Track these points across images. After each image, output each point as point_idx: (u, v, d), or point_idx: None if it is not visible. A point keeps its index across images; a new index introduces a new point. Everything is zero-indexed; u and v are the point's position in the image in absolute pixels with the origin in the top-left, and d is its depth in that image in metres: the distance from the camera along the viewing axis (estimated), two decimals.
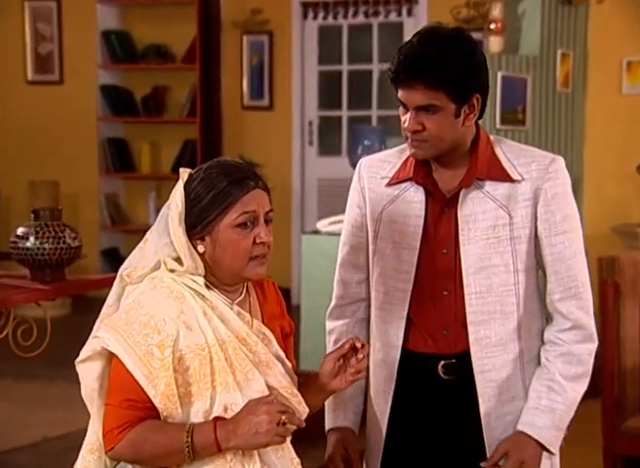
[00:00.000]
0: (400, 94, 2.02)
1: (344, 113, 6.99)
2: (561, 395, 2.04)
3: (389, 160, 2.15)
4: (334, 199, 6.83)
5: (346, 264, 2.18)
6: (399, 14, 6.71)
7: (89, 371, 1.87)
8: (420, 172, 2.08)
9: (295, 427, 1.81)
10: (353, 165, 5.17)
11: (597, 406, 3.77)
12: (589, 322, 2.09)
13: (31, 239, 2.91)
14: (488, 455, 2.06)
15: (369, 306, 2.19)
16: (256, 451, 1.83)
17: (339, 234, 5.29)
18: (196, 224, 1.87)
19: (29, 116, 7.52)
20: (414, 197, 2.08)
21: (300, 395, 1.91)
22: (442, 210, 2.07)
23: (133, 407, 1.81)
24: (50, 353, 3.20)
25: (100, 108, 7.33)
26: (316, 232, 4.89)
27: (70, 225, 3.01)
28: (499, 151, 2.08)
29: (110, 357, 1.86)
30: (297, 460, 1.91)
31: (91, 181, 7.36)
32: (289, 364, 1.94)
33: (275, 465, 1.87)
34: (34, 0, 7.45)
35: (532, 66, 5.56)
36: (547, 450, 2.04)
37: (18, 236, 2.95)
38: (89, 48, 7.29)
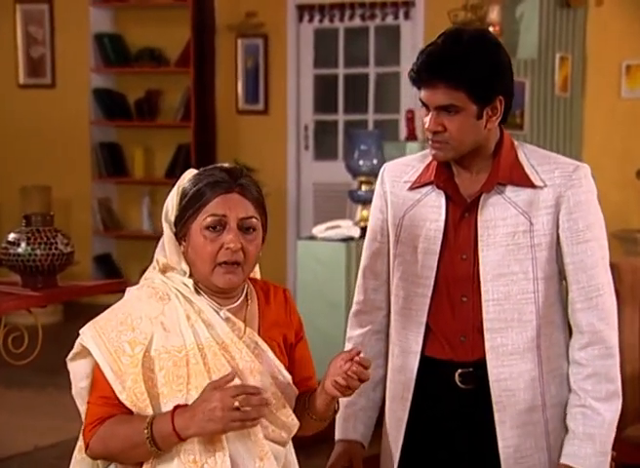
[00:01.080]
0: (422, 94, 2.01)
1: (340, 117, 6.95)
2: (596, 419, 2.02)
3: (413, 164, 2.14)
4: (330, 204, 6.78)
5: (365, 270, 2.18)
6: (396, 17, 6.67)
7: (78, 369, 1.89)
8: (442, 176, 2.07)
9: (260, 413, 1.76)
10: (349, 169, 5.15)
11: None
12: (610, 334, 2.06)
13: (22, 245, 2.87)
14: (502, 465, 2.04)
15: (386, 315, 2.18)
16: (222, 447, 1.81)
17: (334, 240, 5.31)
18: (176, 224, 1.90)
19: (21, 120, 7.47)
20: (435, 201, 2.07)
21: (288, 406, 1.89)
22: (462, 215, 2.05)
23: (107, 403, 1.82)
24: (41, 361, 3.15)
25: (93, 112, 7.28)
26: (312, 238, 4.85)
27: (62, 231, 2.97)
28: (522, 156, 2.06)
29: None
30: (266, 449, 1.86)
31: (83, 186, 7.31)
32: (285, 376, 1.90)
33: (240, 454, 1.84)
34: (26, 3, 7.40)
35: (530, 70, 5.53)
36: None
37: (9, 242, 2.92)
38: (81, 51, 7.24)
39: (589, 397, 2.03)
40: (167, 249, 1.91)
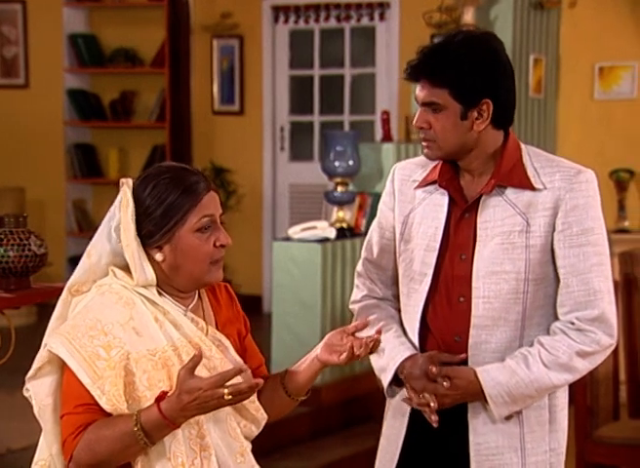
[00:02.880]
0: (417, 89, 2.06)
1: (316, 118, 6.95)
2: (530, 368, 2.01)
3: (423, 164, 2.16)
4: (305, 205, 6.78)
5: (369, 265, 2.20)
6: (371, 18, 6.68)
7: (41, 387, 1.86)
8: (446, 175, 2.09)
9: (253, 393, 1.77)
10: (325, 171, 5.15)
11: (570, 414, 3.76)
12: (601, 337, 2.03)
13: None
14: (472, 459, 2.05)
15: (396, 308, 2.20)
16: (208, 446, 1.82)
17: (310, 241, 5.29)
18: (154, 233, 1.85)
19: None
20: (438, 200, 2.10)
21: (257, 401, 1.91)
22: (463, 215, 2.07)
23: (88, 410, 1.80)
24: (14, 363, 3.12)
25: (67, 113, 7.23)
26: (288, 239, 4.84)
27: (36, 232, 2.95)
28: (526, 159, 2.07)
29: (62, 370, 1.84)
30: (245, 444, 1.89)
31: (57, 187, 7.27)
32: (248, 370, 1.90)
33: (223, 452, 1.85)
34: None
35: None
36: (485, 400, 2.03)
37: None
38: (55, 51, 7.19)
39: (543, 351, 2.02)
40: (132, 266, 1.85)
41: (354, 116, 6.83)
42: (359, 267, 2.22)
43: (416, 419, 2.09)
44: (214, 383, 1.73)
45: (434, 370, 2.01)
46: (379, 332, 1.93)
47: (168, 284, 1.89)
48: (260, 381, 1.78)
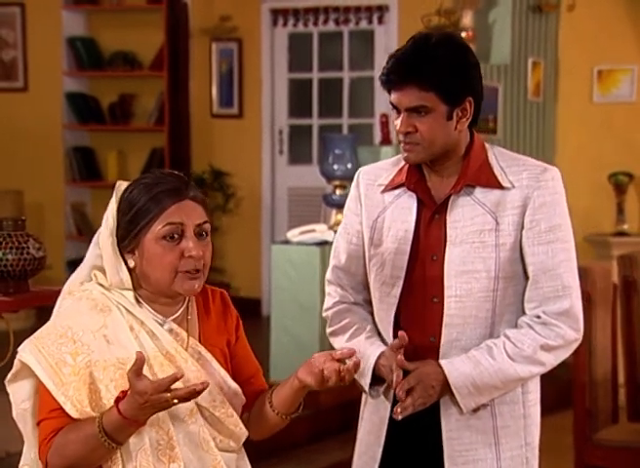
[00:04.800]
0: (392, 97, 2.04)
1: (315, 121, 6.95)
2: (494, 358, 2.02)
3: (387, 168, 2.17)
4: (304, 208, 6.78)
5: (338, 272, 2.18)
6: (370, 21, 6.69)
7: (19, 391, 1.86)
8: (413, 178, 2.10)
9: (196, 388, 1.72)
10: (324, 174, 5.15)
11: (569, 416, 3.77)
12: (566, 332, 2.05)
13: None
14: (445, 455, 2.06)
15: (369, 312, 2.18)
16: (177, 457, 1.80)
17: (309, 244, 5.29)
18: (124, 238, 1.84)
19: None
20: (406, 203, 2.10)
21: (236, 415, 1.88)
22: (432, 216, 2.08)
23: (61, 415, 1.79)
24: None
25: (66, 116, 7.23)
26: (286, 242, 4.84)
27: (34, 235, 2.95)
28: (492, 158, 2.09)
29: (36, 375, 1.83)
30: (219, 458, 1.86)
31: (56, 191, 7.26)
32: (230, 385, 1.89)
33: (193, 464, 1.83)
34: None
35: (503, 75, 5.56)
36: (452, 393, 2.03)
37: None
38: (54, 54, 7.19)
39: (508, 343, 2.04)
40: (107, 268, 1.86)
41: (353, 119, 6.83)
42: (329, 275, 2.21)
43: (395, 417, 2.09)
44: (156, 389, 1.71)
45: (399, 358, 2.01)
46: (356, 357, 1.85)
47: (146, 292, 1.87)
48: (200, 385, 1.73)
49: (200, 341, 1.89)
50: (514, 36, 5.60)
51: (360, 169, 2.20)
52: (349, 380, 1.84)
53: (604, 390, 3.67)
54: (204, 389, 1.73)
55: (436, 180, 2.08)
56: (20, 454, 1.85)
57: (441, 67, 1.98)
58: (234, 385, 1.90)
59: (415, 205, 2.08)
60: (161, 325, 1.86)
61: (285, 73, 6.96)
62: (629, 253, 4.05)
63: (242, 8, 6.92)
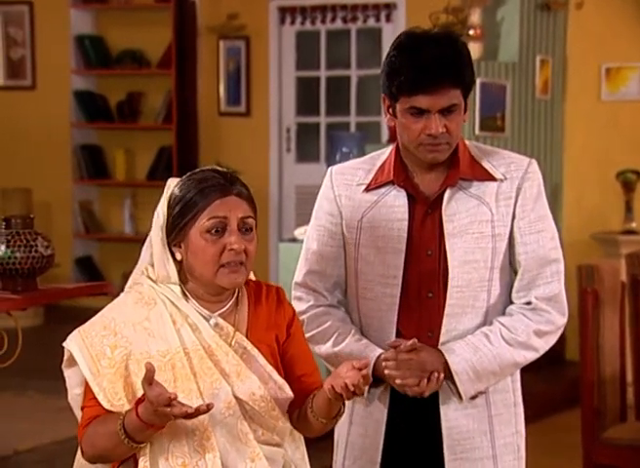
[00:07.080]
0: (419, 100, 2.01)
1: (322, 119, 6.95)
2: (492, 344, 2.06)
3: (362, 167, 2.16)
4: (311, 206, 6.72)
5: (312, 275, 2.17)
6: (377, 19, 6.68)
7: (72, 377, 1.91)
8: (401, 175, 2.10)
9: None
10: None
11: (577, 415, 3.76)
12: (555, 317, 2.09)
13: (2, 247, 2.85)
14: (445, 444, 2.07)
15: (345, 312, 2.18)
16: (213, 448, 1.82)
17: None
18: (172, 231, 1.89)
19: (1, 122, 7.42)
20: (395, 201, 2.09)
21: (278, 409, 1.89)
22: (426, 212, 2.09)
23: (98, 404, 1.84)
24: (21, 364, 3.13)
25: (74, 114, 7.24)
26: (294, 240, 4.84)
27: (43, 233, 2.96)
28: (475, 153, 2.13)
29: None
30: (258, 450, 1.86)
31: (64, 189, 7.28)
32: (276, 380, 1.90)
33: (230, 455, 1.84)
34: (6, 4, 7.36)
35: (511, 73, 5.54)
36: (452, 379, 2.05)
37: None
38: (62, 53, 7.20)
39: (503, 329, 2.07)
40: (155, 261, 1.90)
41: (360, 117, 6.83)
42: (298, 278, 2.19)
43: (394, 409, 2.11)
44: (160, 402, 1.73)
45: (402, 346, 2.01)
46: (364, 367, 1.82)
47: (193, 286, 1.90)
48: (192, 409, 1.72)
49: (247, 336, 1.91)
50: (522, 34, 5.59)
51: (330, 169, 2.18)
52: (364, 389, 1.82)
53: (612, 389, 3.67)
54: (201, 413, 1.74)
55: (424, 177, 2.09)
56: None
57: (465, 64, 2.02)
58: (281, 381, 1.90)
59: (405, 202, 2.08)
60: (207, 319, 1.88)
61: (292, 71, 6.96)
62: (638, 252, 4.04)
63: (250, 6, 6.92)
